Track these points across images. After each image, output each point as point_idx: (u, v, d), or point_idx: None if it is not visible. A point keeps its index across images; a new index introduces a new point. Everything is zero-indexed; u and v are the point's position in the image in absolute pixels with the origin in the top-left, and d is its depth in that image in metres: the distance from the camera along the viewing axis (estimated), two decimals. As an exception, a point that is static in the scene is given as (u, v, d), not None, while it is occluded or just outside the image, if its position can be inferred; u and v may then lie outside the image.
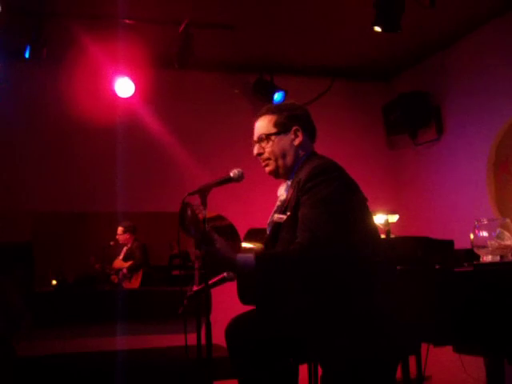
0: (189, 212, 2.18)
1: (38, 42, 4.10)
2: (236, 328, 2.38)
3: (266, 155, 2.44)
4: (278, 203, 2.42)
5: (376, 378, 2.12)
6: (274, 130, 2.43)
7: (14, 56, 4.35)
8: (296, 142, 2.42)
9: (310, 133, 2.48)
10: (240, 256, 2.19)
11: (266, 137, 2.43)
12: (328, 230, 2.11)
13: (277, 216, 2.35)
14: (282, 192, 2.42)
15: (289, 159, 2.42)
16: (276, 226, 2.34)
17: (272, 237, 2.36)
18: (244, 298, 2.27)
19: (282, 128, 2.42)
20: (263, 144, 2.44)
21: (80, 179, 4.85)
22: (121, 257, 5.28)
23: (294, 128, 2.42)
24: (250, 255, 2.17)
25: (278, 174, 2.46)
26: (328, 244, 2.10)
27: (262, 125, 2.46)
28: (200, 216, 2.20)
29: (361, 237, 2.19)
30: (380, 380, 2.14)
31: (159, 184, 4.98)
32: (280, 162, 2.42)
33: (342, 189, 2.22)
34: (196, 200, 2.26)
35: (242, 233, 2.56)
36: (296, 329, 2.19)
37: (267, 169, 2.47)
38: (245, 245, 2.50)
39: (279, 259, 2.18)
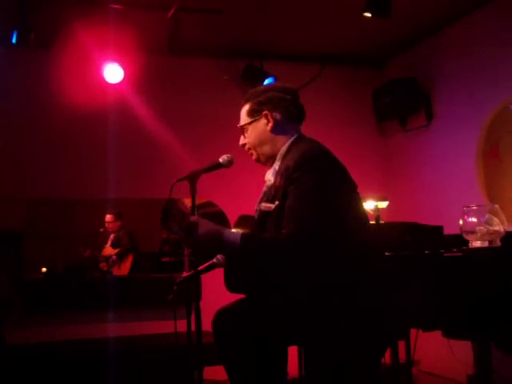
0: (173, 210, 2.16)
1: (26, 26, 4.05)
2: (222, 321, 2.34)
3: (247, 146, 2.42)
4: (265, 189, 2.36)
5: (363, 363, 2.12)
6: (247, 120, 2.39)
7: (1, 41, 4.30)
8: (269, 127, 2.35)
9: (287, 114, 2.37)
10: (227, 231, 2.16)
11: (243, 128, 2.41)
12: (314, 221, 2.07)
13: (264, 205, 2.29)
14: (270, 177, 2.35)
15: (266, 146, 2.37)
16: (263, 214, 2.29)
17: (259, 226, 2.30)
18: (230, 285, 2.25)
19: (254, 115, 2.38)
20: (245, 134, 2.42)
21: (69, 166, 4.82)
22: (108, 244, 5.27)
23: (264, 113, 2.35)
24: (238, 232, 2.15)
25: (261, 163, 2.43)
26: (314, 234, 2.07)
27: (241, 115, 2.43)
28: (185, 210, 2.19)
29: (349, 225, 2.15)
30: (366, 365, 2.14)
31: (149, 170, 4.95)
32: (259, 150, 2.39)
33: (329, 177, 2.16)
34: (185, 186, 2.24)
35: (232, 219, 2.55)
36: (282, 317, 2.16)
37: (252, 158, 2.45)
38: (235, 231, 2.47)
39: (265, 242, 2.14)
